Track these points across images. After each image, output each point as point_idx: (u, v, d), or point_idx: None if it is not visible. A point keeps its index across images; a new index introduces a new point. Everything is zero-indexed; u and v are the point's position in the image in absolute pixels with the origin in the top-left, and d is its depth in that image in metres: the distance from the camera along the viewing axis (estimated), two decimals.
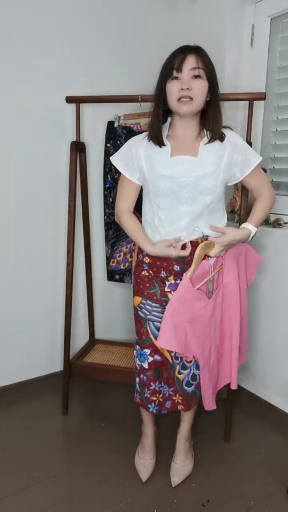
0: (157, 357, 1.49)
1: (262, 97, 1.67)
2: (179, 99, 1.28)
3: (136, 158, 1.40)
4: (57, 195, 2.01)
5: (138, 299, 1.50)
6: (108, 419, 1.91)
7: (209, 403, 1.49)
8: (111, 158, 1.47)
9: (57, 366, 2.17)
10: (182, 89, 1.27)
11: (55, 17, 1.83)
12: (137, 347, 1.52)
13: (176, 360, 1.47)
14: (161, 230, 1.40)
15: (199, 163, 1.33)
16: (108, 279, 2.08)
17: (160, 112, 1.35)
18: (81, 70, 1.94)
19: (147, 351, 1.49)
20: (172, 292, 1.44)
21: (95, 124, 2.03)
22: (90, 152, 2.04)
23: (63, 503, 1.44)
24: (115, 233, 2.00)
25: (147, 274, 1.47)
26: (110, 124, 1.93)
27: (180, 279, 1.41)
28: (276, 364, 1.91)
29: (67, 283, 1.89)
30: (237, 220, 1.98)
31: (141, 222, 1.49)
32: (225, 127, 1.39)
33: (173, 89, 1.29)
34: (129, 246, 2.01)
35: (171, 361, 1.48)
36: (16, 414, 1.93)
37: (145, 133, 1.43)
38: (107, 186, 1.98)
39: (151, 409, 1.52)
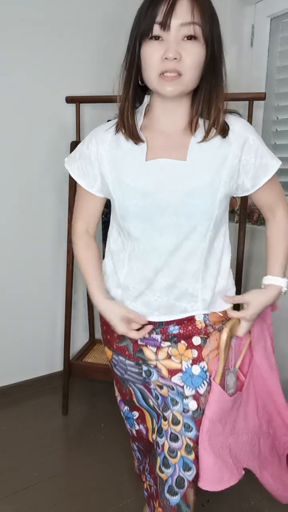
0: (143, 430, 1.11)
1: (262, 97, 1.67)
2: (161, 74, 0.82)
3: (96, 161, 0.95)
4: (57, 195, 2.01)
5: (109, 353, 1.10)
6: (108, 419, 1.91)
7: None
8: (65, 160, 1.05)
9: (57, 366, 2.17)
10: (166, 58, 0.80)
11: (55, 16, 1.83)
12: (124, 407, 1.13)
13: (158, 448, 1.01)
14: (128, 268, 0.98)
15: (188, 170, 0.88)
16: None
17: (132, 89, 0.89)
18: (81, 70, 1.94)
19: (134, 414, 1.11)
20: (148, 346, 1.00)
21: (95, 124, 2.01)
22: None
23: (63, 503, 1.44)
24: None
25: None
26: None
27: (156, 333, 0.99)
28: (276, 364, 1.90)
29: (67, 283, 1.89)
30: (237, 220, 1.98)
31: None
32: (230, 112, 0.93)
33: (153, 57, 0.81)
34: None
35: (154, 446, 1.04)
36: (16, 414, 1.93)
37: (111, 122, 0.97)
38: None
39: (144, 490, 1.12)
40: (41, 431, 1.82)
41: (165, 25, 0.79)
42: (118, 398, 1.15)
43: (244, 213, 1.69)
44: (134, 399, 1.08)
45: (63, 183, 1.99)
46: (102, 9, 1.94)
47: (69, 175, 1.90)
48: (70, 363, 1.97)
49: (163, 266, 0.93)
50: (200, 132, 0.89)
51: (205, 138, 0.88)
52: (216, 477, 0.96)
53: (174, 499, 0.98)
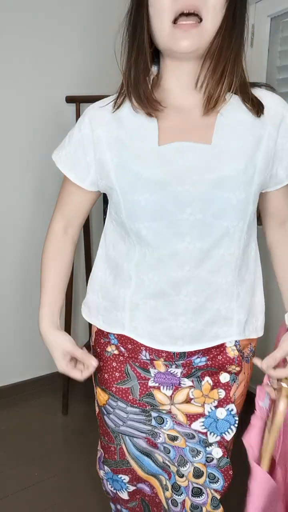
0: (144, 487, 0.90)
1: None
2: (175, 21, 0.63)
3: (91, 145, 0.75)
4: (57, 195, 2.00)
5: (103, 397, 0.87)
6: None
7: None
8: (53, 155, 0.88)
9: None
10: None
11: (55, 16, 1.83)
12: (104, 467, 0.91)
13: (175, 507, 0.85)
14: (139, 279, 0.76)
15: (215, 156, 0.69)
16: None
17: (146, 50, 0.68)
18: (81, 70, 1.94)
19: (125, 478, 0.89)
20: (161, 388, 0.80)
21: None
22: None
23: (63, 503, 1.44)
24: None
25: (116, 352, 0.84)
26: None
27: (177, 366, 0.78)
28: None
29: (67, 283, 1.88)
30: None
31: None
32: (259, 85, 0.77)
33: (162, 2, 0.63)
34: None
35: (165, 505, 0.87)
36: (16, 414, 1.93)
37: (108, 98, 0.77)
38: None
39: None
40: (41, 431, 1.82)
41: None
42: (98, 454, 0.92)
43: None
44: (129, 459, 0.86)
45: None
46: (103, 9, 1.94)
47: None
48: None
49: (186, 280, 0.73)
50: (228, 108, 0.70)
51: (230, 113, 0.69)
52: None
53: None
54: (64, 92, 1.88)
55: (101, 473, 0.92)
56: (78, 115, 1.87)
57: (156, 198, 0.69)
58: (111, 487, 0.92)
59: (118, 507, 0.95)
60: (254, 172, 0.70)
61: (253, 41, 1.94)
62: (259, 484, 0.69)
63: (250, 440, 0.72)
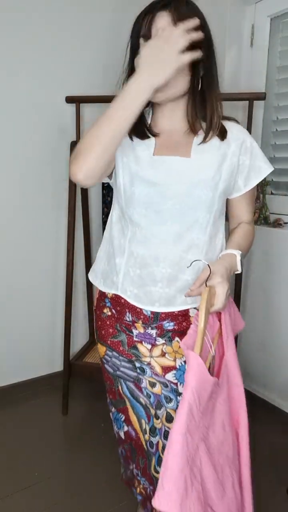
0: (131, 431, 1.10)
1: (262, 97, 1.67)
2: None
3: None
4: (57, 195, 2.01)
5: (102, 349, 1.10)
6: (108, 419, 1.90)
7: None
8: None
9: (57, 366, 2.17)
10: None
11: (55, 16, 1.83)
12: (112, 408, 1.14)
13: (151, 448, 1.05)
14: (131, 251, 0.99)
15: (193, 166, 0.94)
16: None
17: None
18: (81, 70, 1.94)
19: (122, 416, 1.11)
20: (143, 342, 1.01)
21: None
22: None
23: (63, 503, 1.44)
24: None
25: (109, 314, 1.07)
26: None
27: (152, 328, 1.00)
28: (276, 364, 1.91)
29: (67, 283, 1.89)
30: None
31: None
32: (228, 118, 1.01)
33: None
34: None
35: (145, 446, 1.07)
36: (16, 414, 1.93)
37: None
38: (105, 185, 1.98)
39: (135, 494, 1.14)
40: (41, 431, 1.82)
41: (147, 36, 0.87)
42: (108, 400, 1.16)
43: None
44: (124, 398, 1.08)
45: (63, 183, 1.99)
46: (102, 10, 1.94)
47: (69, 175, 1.90)
48: (70, 363, 1.97)
49: (165, 255, 0.96)
50: (202, 134, 0.96)
51: (204, 139, 0.95)
52: (172, 497, 0.73)
53: None
54: (64, 92, 1.88)
55: (111, 414, 1.15)
56: (78, 115, 1.87)
57: (147, 192, 0.94)
58: (116, 427, 1.14)
59: (121, 448, 1.17)
60: (219, 179, 0.96)
61: (253, 41, 1.93)
62: (191, 366, 0.80)
63: (186, 342, 0.85)
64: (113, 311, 1.05)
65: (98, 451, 1.70)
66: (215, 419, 0.88)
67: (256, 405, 1.98)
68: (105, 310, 1.08)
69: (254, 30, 1.93)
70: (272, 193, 1.96)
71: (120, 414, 1.10)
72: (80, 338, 2.25)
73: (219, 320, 0.95)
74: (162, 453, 0.95)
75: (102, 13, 1.95)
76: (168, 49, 0.80)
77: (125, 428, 1.11)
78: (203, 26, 0.90)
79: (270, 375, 1.94)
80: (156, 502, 0.73)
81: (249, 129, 1.70)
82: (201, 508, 0.78)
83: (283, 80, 1.85)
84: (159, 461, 0.98)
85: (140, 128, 0.95)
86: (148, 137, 0.96)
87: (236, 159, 0.98)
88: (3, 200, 1.88)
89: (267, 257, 1.88)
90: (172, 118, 0.97)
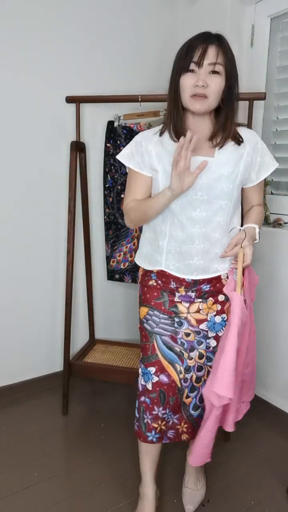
0: (163, 378, 1.30)
1: (262, 97, 1.67)
2: (192, 96, 1.15)
3: (147, 154, 1.26)
4: (57, 195, 2.01)
5: (144, 310, 1.34)
6: (108, 419, 1.91)
7: (203, 457, 1.31)
8: (118, 156, 1.32)
9: (57, 366, 2.17)
10: (197, 85, 1.13)
11: (55, 17, 1.83)
12: (142, 365, 1.34)
13: (185, 383, 1.33)
14: (171, 234, 1.27)
15: (216, 163, 1.21)
16: (108, 279, 2.08)
17: (179, 105, 1.20)
18: (81, 70, 1.94)
19: (152, 369, 1.30)
20: (182, 302, 1.31)
21: (95, 124, 2.03)
22: (90, 152, 2.04)
23: (63, 503, 1.44)
24: (115, 233, 2.00)
25: (155, 284, 1.33)
26: (110, 124, 1.93)
27: (192, 291, 1.29)
28: (276, 364, 1.91)
29: (67, 283, 1.89)
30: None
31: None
32: (240, 124, 1.28)
33: (187, 84, 1.15)
34: (129, 246, 2.01)
35: (179, 384, 1.32)
36: (16, 414, 1.93)
37: (156, 128, 1.29)
38: (107, 186, 1.98)
39: (150, 438, 1.31)
40: (41, 431, 1.82)
41: (199, 64, 1.13)
42: (140, 360, 1.36)
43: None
44: (157, 352, 1.31)
45: (63, 183, 1.99)
46: (102, 9, 1.94)
47: (69, 175, 1.91)
48: (70, 363, 1.97)
49: (197, 235, 1.24)
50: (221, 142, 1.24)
51: (221, 144, 1.22)
52: (230, 386, 1.12)
53: (197, 413, 1.35)
54: (64, 92, 1.88)
55: (140, 370, 1.35)
56: (78, 115, 1.87)
57: None
58: (143, 380, 1.33)
59: (142, 398, 1.33)
60: (238, 173, 1.24)
61: (253, 41, 1.93)
62: (236, 302, 1.17)
63: (227, 288, 1.25)
64: (159, 282, 1.32)
65: (98, 451, 1.70)
66: (244, 337, 1.24)
67: (256, 405, 1.98)
68: (150, 282, 1.34)
69: (254, 30, 1.93)
70: (272, 193, 1.96)
71: (150, 368, 1.31)
72: (80, 338, 2.25)
73: (243, 275, 1.24)
74: (195, 382, 1.33)
75: (102, 13, 1.95)
76: (182, 183, 1.15)
77: (155, 379, 1.31)
78: (232, 56, 1.17)
79: (270, 375, 1.94)
80: (217, 389, 1.12)
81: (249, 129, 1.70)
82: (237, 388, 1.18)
83: (283, 80, 1.85)
84: (191, 389, 1.34)
85: (181, 131, 1.21)
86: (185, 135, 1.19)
87: (250, 158, 1.25)
88: (3, 200, 1.88)
89: (267, 257, 1.88)
90: (201, 125, 1.23)
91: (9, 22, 1.74)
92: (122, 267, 2.03)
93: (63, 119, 1.95)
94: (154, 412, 1.31)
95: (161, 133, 1.26)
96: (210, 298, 1.31)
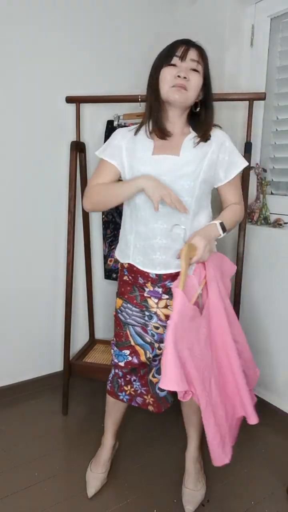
0: (135, 360, 1.43)
1: (262, 97, 1.67)
2: (172, 86, 1.21)
3: (119, 148, 1.32)
4: (57, 195, 2.01)
5: (119, 302, 1.45)
6: None
7: (220, 456, 1.22)
8: (96, 152, 1.38)
9: (57, 366, 2.17)
10: (179, 76, 1.20)
11: (54, 17, 1.83)
12: (115, 347, 1.46)
13: (154, 362, 1.44)
14: (136, 229, 1.32)
15: (180, 162, 1.26)
16: (105, 278, 2.08)
17: (160, 99, 1.26)
18: (81, 70, 1.94)
19: (126, 351, 1.43)
20: (152, 298, 1.38)
21: (95, 124, 2.03)
22: (90, 152, 2.04)
23: (63, 503, 1.44)
24: (112, 232, 2.00)
25: (127, 279, 1.42)
26: (110, 123, 1.93)
27: (158, 287, 1.35)
28: (276, 364, 1.91)
29: (67, 283, 1.89)
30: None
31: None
32: (214, 125, 1.33)
33: (167, 75, 1.22)
34: None
35: (148, 363, 1.45)
36: (16, 414, 1.93)
37: (133, 126, 1.37)
38: None
39: (121, 397, 1.48)
40: (41, 431, 1.82)
41: (182, 57, 1.22)
42: (112, 342, 1.48)
43: (244, 213, 1.68)
44: (130, 339, 1.42)
45: (63, 183, 1.99)
46: (101, 9, 1.94)
47: (69, 175, 1.91)
48: (70, 363, 1.97)
49: (160, 230, 1.28)
50: (191, 136, 1.30)
51: (196, 143, 1.28)
52: (174, 378, 1.11)
53: (163, 393, 1.46)
54: (64, 92, 1.88)
55: (113, 351, 1.47)
56: (78, 115, 1.87)
57: None
58: (116, 359, 1.46)
59: (116, 370, 1.48)
60: (200, 171, 1.27)
61: (253, 41, 1.94)
62: (176, 299, 1.14)
63: (175, 284, 1.21)
64: (130, 277, 1.40)
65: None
66: (199, 336, 1.21)
67: (256, 405, 1.98)
68: (124, 277, 1.42)
69: (254, 30, 1.93)
70: (272, 193, 1.96)
71: (124, 350, 1.43)
72: (80, 338, 2.25)
73: (205, 269, 1.26)
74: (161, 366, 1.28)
75: (102, 13, 1.95)
76: (162, 192, 1.19)
77: (128, 359, 1.43)
78: (208, 64, 1.27)
79: (269, 375, 1.94)
80: (161, 384, 1.13)
81: (249, 129, 1.70)
82: (186, 385, 1.15)
83: (283, 80, 1.85)
84: (157, 371, 1.42)
85: (165, 131, 1.29)
86: (170, 136, 1.29)
87: (216, 156, 1.29)
88: (3, 200, 1.88)
89: (267, 257, 1.88)
90: (176, 121, 1.29)
91: (9, 22, 1.74)
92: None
93: (63, 119, 1.95)
94: (127, 378, 1.47)
95: (136, 131, 1.33)
96: None
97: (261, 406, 1.96)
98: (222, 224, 1.28)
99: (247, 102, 1.73)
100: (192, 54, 1.22)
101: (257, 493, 1.50)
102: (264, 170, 1.91)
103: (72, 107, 1.91)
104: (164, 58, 1.24)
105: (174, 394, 1.34)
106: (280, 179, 1.92)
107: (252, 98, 1.67)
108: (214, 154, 1.28)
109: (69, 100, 1.85)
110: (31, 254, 2.00)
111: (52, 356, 2.15)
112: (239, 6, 1.92)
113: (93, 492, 1.47)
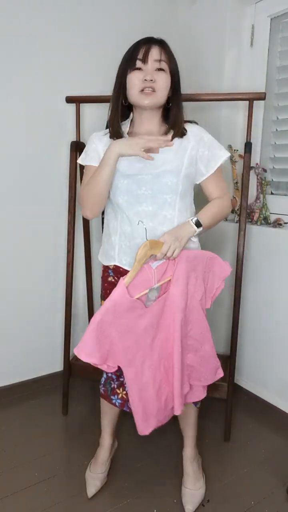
0: None
1: (262, 97, 1.67)
2: (141, 91, 1.22)
3: (97, 151, 1.32)
4: (57, 195, 2.01)
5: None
6: None
7: (139, 427, 1.32)
8: (78, 160, 1.42)
9: (57, 366, 2.17)
10: (145, 80, 1.20)
11: (55, 17, 1.83)
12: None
13: None
14: (121, 230, 1.32)
15: (160, 159, 1.25)
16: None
17: (120, 105, 1.29)
18: (81, 70, 1.94)
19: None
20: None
21: (95, 124, 2.03)
22: None
23: (63, 503, 1.44)
24: None
25: (113, 280, 1.39)
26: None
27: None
28: (275, 364, 1.91)
29: (67, 283, 1.89)
30: (237, 220, 1.98)
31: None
32: (190, 121, 1.34)
33: (135, 80, 1.22)
34: None
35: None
36: (16, 414, 1.93)
37: (107, 130, 1.37)
38: None
39: (113, 401, 1.46)
40: (41, 431, 1.82)
41: (144, 60, 1.21)
42: None
43: (244, 213, 1.69)
44: None
45: (63, 183, 1.99)
46: (101, 9, 1.94)
47: (69, 175, 1.91)
48: (70, 363, 1.97)
49: (144, 229, 1.26)
50: (170, 135, 1.28)
51: (172, 139, 1.26)
52: (88, 351, 1.21)
53: None
54: (64, 92, 1.88)
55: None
56: (78, 115, 1.87)
57: (127, 182, 1.27)
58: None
59: (110, 374, 1.46)
60: (182, 167, 1.27)
61: (253, 41, 1.94)
62: (116, 289, 1.19)
63: (126, 279, 1.20)
64: (115, 278, 1.38)
65: None
66: (137, 325, 1.24)
67: (256, 405, 1.98)
68: (109, 278, 1.40)
69: (254, 30, 1.93)
70: (272, 193, 1.96)
71: None
72: (80, 338, 2.24)
73: (175, 266, 1.26)
74: None
75: (102, 13, 1.95)
76: (136, 142, 1.19)
77: None
78: (174, 58, 1.27)
79: (269, 375, 1.94)
80: (75, 350, 1.21)
81: (249, 129, 1.70)
82: (98, 359, 1.23)
83: (283, 80, 1.86)
84: None
85: (120, 136, 1.30)
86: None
87: (196, 152, 1.29)
88: (3, 200, 1.88)
89: (267, 257, 1.88)
90: (149, 122, 1.30)
91: (9, 22, 1.74)
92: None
93: (63, 119, 1.95)
94: (120, 380, 1.45)
95: (111, 135, 1.33)
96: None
97: (261, 406, 1.96)
98: (196, 221, 1.27)
99: (247, 102, 1.73)
100: (154, 53, 1.21)
101: (257, 493, 1.50)
102: (264, 170, 1.91)
103: (72, 107, 1.91)
104: (128, 62, 1.24)
105: None
106: (280, 179, 1.92)
107: (252, 98, 1.67)
108: (194, 150, 1.28)
109: (69, 100, 1.85)
110: (31, 254, 2.00)
111: (52, 356, 2.15)
112: (239, 6, 1.92)
113: (93, 492, 1.46)
